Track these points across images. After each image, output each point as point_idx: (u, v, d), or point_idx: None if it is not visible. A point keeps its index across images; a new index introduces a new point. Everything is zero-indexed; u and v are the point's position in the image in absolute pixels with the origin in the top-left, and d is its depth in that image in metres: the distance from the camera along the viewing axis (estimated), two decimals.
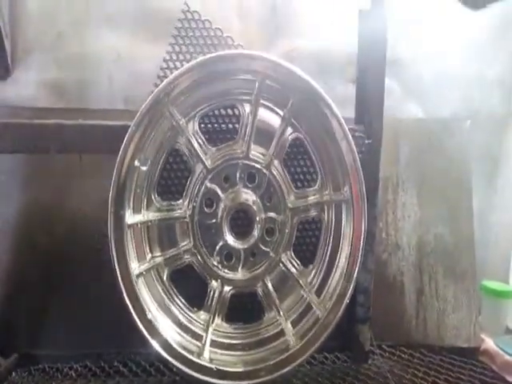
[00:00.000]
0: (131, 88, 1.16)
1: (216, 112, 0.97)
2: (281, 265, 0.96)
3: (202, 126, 0.96)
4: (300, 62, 1.16)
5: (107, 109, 1.14)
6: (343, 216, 0.96)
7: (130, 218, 0.89)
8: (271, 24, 1.24)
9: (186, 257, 0.94)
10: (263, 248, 0.95)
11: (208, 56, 0.86)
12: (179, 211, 0.93)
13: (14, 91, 1.14)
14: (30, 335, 1.09)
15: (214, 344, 0.93)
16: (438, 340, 1.20)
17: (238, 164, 0.93)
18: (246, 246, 0.94)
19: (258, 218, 0.93)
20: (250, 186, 0.94)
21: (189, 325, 0.95)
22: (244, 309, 0.99)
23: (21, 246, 1.11)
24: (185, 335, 0.93)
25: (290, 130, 0.95)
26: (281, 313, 0.95)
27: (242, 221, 0.97)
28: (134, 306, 0.86)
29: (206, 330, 0.93)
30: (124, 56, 1.18)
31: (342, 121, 0.90)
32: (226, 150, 0.94)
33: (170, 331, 0.91)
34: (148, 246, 0.94)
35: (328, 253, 0.99)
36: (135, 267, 0.89)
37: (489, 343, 1.18)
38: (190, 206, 0.92)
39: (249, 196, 0.94)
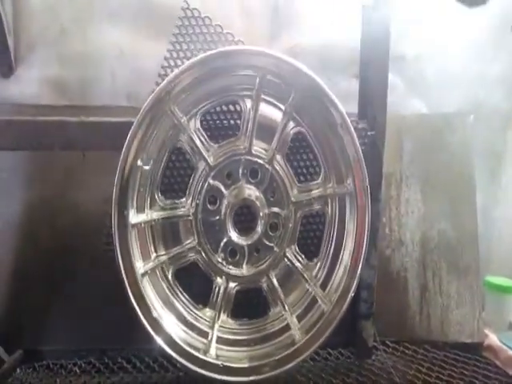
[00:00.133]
0: (134, 84, 1.16)
1: (217, 108, 0.97)
2: (285, 259, 0.96)
3: (204, 123, 0.95)
4: (303, 57, 1.16)
5: (110, 105, 1.14)
6: (347, 209, 0.96)
7: (134, 217, 0.89)
8: (274, 20, 1.24)
9: (191, 254, 0.94)
10: (267, 243, 0.95)
11: (208, 53, 0.85)
12: (183, 209, 0.93)
13: (17, 89, 1.14)
14: (33, 332, 1.09)
15: (219, 340, 0.93)
16: (442, 336, 1.19)
17: (241, 160, 0.93)
18: (250, 242, 0.94)
19: (261, 214, 0.93)
20: (252, 181, 0.94)
21: (194, 322, 0.96)
22: (249, 304, 0.99)
23: (24, 242, 1.11)
24: (190, 332, 0.94)
25: (291, 124, 0.95)
26: (286, 307, 0.95)
27: (245, 217, 0.97)
28: (139, 305, 0.86)
29: (212, 327, 0.93)
30: (127, 52, 1.18)
31: (344, 111, 0.89)
32: (228, 147, 0.94)
33: (175, 329, 0.91)
34: (152, 245, 0.94)
35: (332, 247, 0.99)
36: (140, 266, 0.89)
37: (492, 339, 1.18)
38: (194, 204, 0.92)
39: (252, 192, 0.93)
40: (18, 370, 1.04)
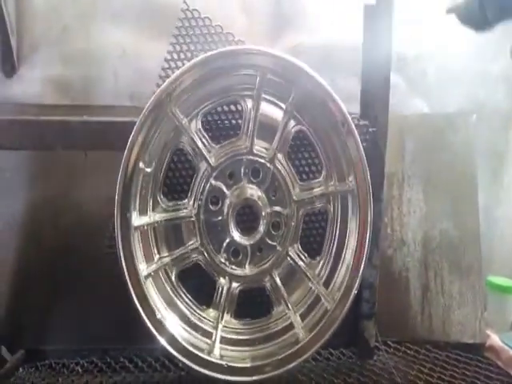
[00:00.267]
0: (137, 84, 1.16)
1: (218, 109, 0.97)
2: (288, 258, 0.96)
3: (205, 123, 0.95)
4: (305, 56, 1.16)
5: (113, 105, 1.14)
6: (349, 207, 0.96)
7: (137, 220, 0.89)
8: (276, 19, 1.24)
9: (194, 255, 0.94)
10: (270, 242, 0.95)
11: (208, 54, 0.85)
12: (185, 210, 0.93)
13: (20, 88, 1.15)
14: (36, 331, 1.09)
15: (223, 340, 0.93)
16: (444, 336, 1.19)
17: (242, 160, 0.93)
18: (252, 242, 0.94)
19: (263, 213, 0.93)
20: (254, 181, 0.94)
21: (198, 322, 0.96)
22: (253, 304, 0.99)
23: (26, 242, 1.12)
24: (194, 333, 0.94)
25: (292, 122, 0.95)
26: (289, 306, 0.95)
27: (247, 216, 0.97)
28: (142, 307, 0.86)
29: (216, 327, 0.93)
30: (130, 52, 1.18)
31: (345, 108, 0.89)
32: (229, 147, 0.94)
33: (179, 330, 0.92)
34: (155, 247, 0.94)
35: (335, 245, 0.99)
36: (143, 268, 0.89)
37: (494, 339, 1.18)
38: (196, 205, 0.92)
39: (254, 191, 0.93)
40: (21, 370, 1.04)
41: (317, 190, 0.97)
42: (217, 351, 0.91)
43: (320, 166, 1.00)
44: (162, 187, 0.95)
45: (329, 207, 0.99)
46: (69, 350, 1.08)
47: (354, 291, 0.92)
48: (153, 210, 0.93)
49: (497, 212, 1.40)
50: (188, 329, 0.94)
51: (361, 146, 0.90)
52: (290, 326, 0.95)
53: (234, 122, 0.98)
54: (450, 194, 1.25)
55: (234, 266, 0.95)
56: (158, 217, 0.93)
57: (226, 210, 0.93)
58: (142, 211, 0.91)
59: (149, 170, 0.91)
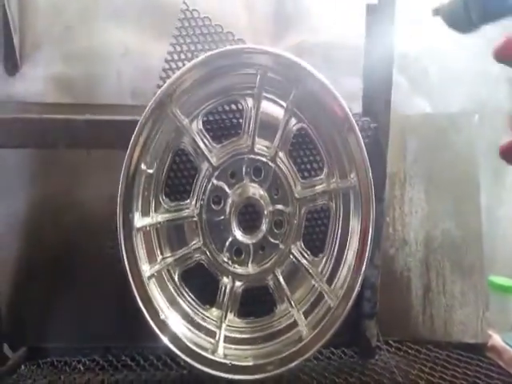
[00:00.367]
0: (140, 83, 1.16)
1: (219, 108, 0.97)
2: (291, 256, 0.96)
3: (206, 123, 0.95)
4: (307, 55, 1.16)
5: (115, 104, 1.14)
6: (351, 204, 0.96)
7: (139, 221, 0.89)
8: (278, 18, 1.24)
9: (196, 255, 0.94)
10: (272, 241, 0.95)
11: (208, 54, 0.85)
12: (187, 211, 0.93)
13: (22, 87, 1.14)
14: (38, 329, 1.10)
15: (227, 339, 0.93)
16: (445, 336, 1.19)
17: (244, 159, 0.93)
18: (255, 240, 0.94)
19: (265, 212, 0.93)
20: (256, 179, 0.94)
21: (202, 322, 0.96)
22: (256, 303, 0.99)
23: (28, 241, 1.12)
24: (198, 332, 0.94)
25: (293, 120, 0.95)
26: (293, 304, 0.95)
27: (250, 215, 0.97)
28: (146, 308, 0.86)
29: (219, 327, 0.93)
30: (132, 50, 1.18)
31: (345, 104, 0.89)
32: (230, 146, 0.94)
33: (183, 329, 0.92)
34: (158, 248, 0.95)
35: (337, 242, 0.99)
36: (146, 269, 0.89)
37: (496, 339, 1.18)
38: (198, 205, 0.92)
39: (256, 190, 0.94)
40: (23, 367, 1.04)
41: (319, 188, 0.97)
42: (220, 350, 0.91)
43: (321, 164, 1.00)
44: (164, 188, 0.95)
45: (331, 204, 0.99)
46: (71, 347, 1.08)
47: (358, 288, 0.92)
48: (155, 210, 0.93)
49: (499, 212, 1.40)
50: (192, 328, 0.94)
51: (362, 143, 0.90)
52: (294, 324, 0.95)
53: (235, 121, 0.98)
54: (452, 194, 1.24)
55: (236, 265, 0.95)
56: (160, 217, 0.93)
57: (228, 210, 0.93)
58: (145, 212, 0.91)
59: (150, 171, 0.91)
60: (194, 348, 0.88)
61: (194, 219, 0.92)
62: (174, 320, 0.92)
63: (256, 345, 0.96)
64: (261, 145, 0.94)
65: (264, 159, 0.93)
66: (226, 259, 0.94)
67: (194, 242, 0.94)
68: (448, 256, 1.23)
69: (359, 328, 1.09)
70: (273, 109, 0.96)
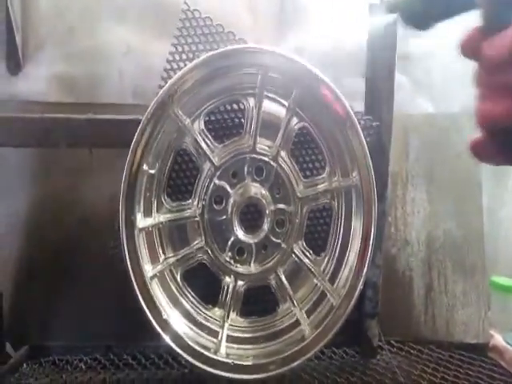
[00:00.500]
0: (142, 82, 1.16)
1: (221, 108, 0.97)
2: (293, 255, 0.96)
3: (208, 123, 0.95)
4: (309, 54, 1.16)
5: (118, 103, 1.15)
6: (353, 203, 0.96)
7: (141, 221, 0.89)
8: (281, 18, 1.24)
9: (199, 255, 0.94)
10: (274, 240, 0.95)
11: (210, 54, 0.85)
12: (189, 211, 0.93)
13: (25, 86, 1.15)
14: (40, 327, 1.10)
15: (229, 339, 0.93)
16: (447, 336, 1.19)
17: (246, 158, 0.93)
18: (257, 240, 0.94)
19: (267, 211, 0.93)
20: (258, 179, 0.94)
21: (204, 321, 0.96)
22: (258, 302, 0.99)
23: (30, 240, 1.12)
24: (201, 332, 0.94)
25: (295, 119, 0.95)
26: (295, 303, 0.95)
27: (251, 215, 0.97)
28: (149, 308, 0.86)
29: (222, 326, 0.93)
30: (134, 49, 1.18)
31: (347, 103, 0.89)
32: (232, 146, 0.94)
33: (185, 329, 0.92)
34: (160, 248, 0.94)
35: (339, 241, 0.99)
36: (149, 270, 0.89)
37: (498, 339, 1.18)
38: (200, 205, 0.92)
39: (257, 189, 0.93)
40: (25, 365, 1.04)
41: (321, 187, 0.97)
42: (223, 350, 0.91)
43: (323, 163, 1.00)
44: (166, 188, 0.95)
45: (333, 203, 0.99)
46: (72, 346, 1.09)
47: (360, 287, 0.92)
48: (157, 211, 0.93)
49: (501, 212, 1.40)
50: (194, 328, 0.94)
51: (364, 141, 0.90)
52: (296, 323, 0.95)
53: (236, 120, 0.98)
54: (453, 194, 1.24)
55: (238, 265, 0.95)
56: (162, 217, 0.92)
57: (230, 209, 0.93)
58: (147, 212, 0.91)
59: (152, 171, 0.91)
60: (196, 347, 0.88)
61: (196, 219, 0.92)
62: (176, 319, 0.91)
63: (258, 344, 0.96)
64: (262, 144, 0.94)
65: (266, 158, 0.93)
66: (228, 259, 0.94)
67: (196, 242, 0.94)
68: (450, 256, 1.22)
69: (361, 328, 1.09)
70: (274, 108, 0.96)
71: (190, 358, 0.87)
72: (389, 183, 1.06)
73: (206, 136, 0.93)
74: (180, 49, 0.95)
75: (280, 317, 0.99)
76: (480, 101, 0.35)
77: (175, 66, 0.95)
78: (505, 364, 1.11)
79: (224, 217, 0.93)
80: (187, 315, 0.95)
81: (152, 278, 0.89)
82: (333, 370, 1.05)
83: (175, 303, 0.94)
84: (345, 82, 1.21)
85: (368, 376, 1.02)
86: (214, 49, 0.93)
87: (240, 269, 0.95)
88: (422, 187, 1.24)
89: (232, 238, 0.94)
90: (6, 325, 1.04)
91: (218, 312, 0.97)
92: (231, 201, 0.93)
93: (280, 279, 0.96)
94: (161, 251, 0.95)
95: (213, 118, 0.97)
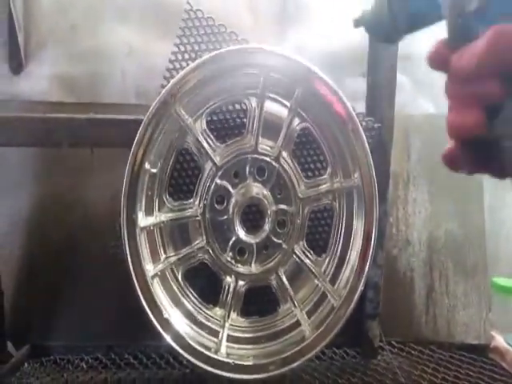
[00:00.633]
0: (144, 81, 1.16)
1: (223, 108, 0.97)
2: (294, 256, 0.96)
3: (210, 123, 0.95)
4: (311, 54, 1.16)
5: (120, 103, 1.15)
6: (354, 204, 0.96)
7: (143, 220, 0.89)
8: (282, 18, 1.24)
9: (200, 254, 0.94)
10: (275, 240, 0.95)
11: (212, 54, 0.86)
12: (191, 210, 0.93)
13: (27, 85, 1.15)
14: (41, 327, 1.10)
15: (230, 339, 0.93)
16: (448, 336, 1.19)
17: (247, 159, 0.93)
18: (258, 240, 0.94)
19: (269, 211, 0.93)
20: (259, 179, 0.94)
21: (205, 321, 0.96)
22: (259, 302, 1.00)
23: (32, 239, 1.13)
24: (201, 331, 0.94)
25: (297, 120, 0.95)
26: (296, 304, 0.95)
27: (253, 215, 0.97)
28: (150, 307, 0.86)
29: (223, 326, 0.93)
30: (136, 49, 1.18)
31: (349, 104, 0.89)
32: (234, 146, 0.94)
33: (186, 328, 0.92)
34: (162, 247, 0.95)
35: (340, 243, 0.99)
36: (150, 269, 0.89)
37: (499, 340, 1.17)
38: (202, 204, 0.92)
39: (259, 190, 0.94)
40: (26, 365, 1.05)
41: (322, 187, 0.97)
42: (223, 349, 0.91)
43: (325, 163, 1.00)
44: (168, 187, 0.95)
45: (334, 204, 0.99)
46: (73, 346, 1.09)
47: (361, 287, 0.92)
48: (159, 210, 0.93)
49: (502, 213, 1.40)
50: (195, 327, 0.94)
51: (366, 142, 0.90)
52: (297, 324, 0.95)
53: (238, 121, 0.98)
54: (455, 195, 1.24)
55: (239, 265, 0.95)
56: (163, 217, 0.93)
57: (231, 209, 0.93)
58: (148, 211, 0.91)
59: (154, 170, 0.91)
60: (197, 347, 0.89)
61: (198, 218, 0.93)
62: (177, 319, 0.92)
63: (259, 344, 0.96)
64: (264, 144, 0.94)
65: (268, 159, 0.93)
66: (229, 258, 0.94)
67: (197, 242, 0.94)
68: (451, 256, 1.22)
69: (362, 328, 1.09)
70: (276, 108, 0.96)
71: (190, 358, 0.87)
72: (390, 184, 1.06)
73: (208, 136, 0.93)
74: (182, 49, 0.95)
75: (280, 317, 0.99)
76: (449, 112, 0.36)
77: (178, 66, 0.95)
78: (506, 365, 1.11)
79: (225, 216, 0.93)
80: (188, 315, 0.95)
81: (153, 277, 0.89)
82: (334, 370, 1.05)
83: (176, 303, 0.94)
84: (346, 82, 1.21)
85: (369, 376, 1.02)
86: (217, 49, 0.93)
87: (241, 269, 0.95)
88: (423, 187, 1.24)
89: (233, 238, 0.94)
90: (8, 324, 1.04)
91: (218, 312, 0.97)
92: (233, 201, 0.93)
93: (281, 279, 0.96)
94: (162, 250, 0.95)
95: (215, 118, 0.97)
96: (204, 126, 0.94)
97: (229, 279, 0.95)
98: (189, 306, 0.97)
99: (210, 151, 0.91)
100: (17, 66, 1.14)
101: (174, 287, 0.96)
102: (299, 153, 1.01)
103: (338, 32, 1.25)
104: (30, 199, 1.13)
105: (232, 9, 1.21)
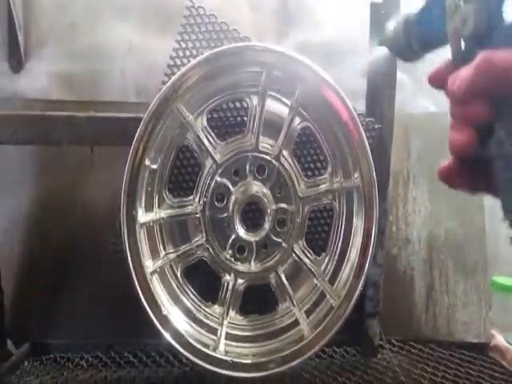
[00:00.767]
0: (144, 79, 1.16)
1: (224, 106, 0.97)
2: (293, 255, 0.96)
3: (211, 120, 0.95)
4: (311, 53, 1.16)
5: (119, 101, 1.15)
6: (354, 204, 0.96)
7: (143, 216, 0.89)
8: (282, 16, 1.24)
9: (199, 252, 0.94)
10: (275, 239, 0.94)
11: (214, 51, 0.85)
12: (190, 207, 0.93)
13: (26, 83, 1.15)
14: (41, 325, 1.10)
15: (228, 337, 0.93)
16: (448, 335, 1.19)
17: (248, 157, 0.93)
18: (257, 238, 0.94)
19: (269, 210, 0.93)
20: (259, 178, 0.94)
21: (204, 319, 0.96)
22: (258, 300, 0.99)
23: (32, 237, 1.13)
24: (200, 329, 0.94)
25: (298, 119, 0.95)
26: (294, 303, 0.95)
27: (253, 213, 0.97)
28: (149, 303, 0.86)
29: (221, 324, 0.93)
30: (136, 47, 1.18)
31: (349, 103, 0.89)
32: (235, 144, 0.94)
33: (185, 326, 0.92)
34: (161, 243, 0.95)
35: (340, 242, 0.99)
36: (149, 265, 0.89)
37: (499, 339, 1.17)
38: (201, 202, 0.92)
39: (259, 188, 0.93)
40: (26, 363, 1.05)
41: (322, 187, 0.96)
42: (222, 347, 0.90)
43: (325, 163, 1.00)
44: (168, 184, 0.95)
45: (334, 204, 0.98)
46: (73, 344, 1.09)
47: (360, 288, 0.91)
48: (158, 206, 0.93)
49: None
50: (194, 325, 0.94)
51: (366, 143, 0.90)
52: (295, 323, 0.95)
53: (239, 119, 0.98)
54: (455, 193, 1.23)
55: (239, 263, 0.94)
56: (163, 213, 0.92)
57: (231, 207, 0.93)
58: (148, 208, 0.91)
59: (154, 166, 0.91)
60: (196, 344, 0.88)
61: (197, 216, 0.92)
62: (177, 316, 0.92)
63: (257, 342, 0.96)
64: (265, 143, 0.94)
65: (268, 157, 0.93)
66: (228, 256, 0.94)
67: (196, 239, 0.94)
68: (451, 255, 1.22)
69: (362, 327, 1.09)
70: (277, 107, 0.96)
71: (188, 355, 0.87)
72: (390, 182, 1.06)
73: (209, 133, 0.93)
74: (184, 45, 0.95)
75: (279, 316, 0.99)
76: (450, 129, 0.38)
77: (179, 63, 0.95)
78: (506, 364, 1.11)
79: (225, 214, 0.93)
80: (187, 312, 0.95)
81: (152, 273, 0.89)
82: (334, 368, 1.05)
83: (175, 300, 0.94)
84: (346, 80, 1.21)
85: (369, 375, 1.02)
86: (218, 46, 0.93)
87: (240, 267, 0.95)
88: (423, 186, 1.24)
89: (233, 236, 0.94)
90: (8, 322, 1.04)
91: (217, 309, 0.97)
92: (232, 198, 0.93)
93: (280, 278, 0.95)
94: (161, 247, 0.95)
95: (216, 116, 0.97)
96: (205, 123, 0.93)
97: (228, 277, 0.95)
98: (188, 304, 0.96)
99: (210, 148, 0.91)
100: (16, 63, 1.14)
101: (173, 284, 0.95)
102: (299, 152, 1.01)
103: (338, 29, 1.25)
104: (29, 197, 1.13)
105: (232, 5, 1.20)
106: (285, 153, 0.94)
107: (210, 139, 0.92)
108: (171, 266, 0.95)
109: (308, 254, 0.97)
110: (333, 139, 0.96)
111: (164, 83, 0.87)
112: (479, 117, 0.36)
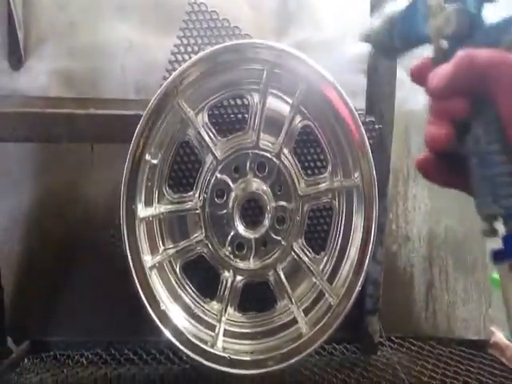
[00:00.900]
0: (144, 77, 1.16)
1: (225, 102, 0.97)
2: (292, 253, 0.96)
3: (212, 117, 0.96)
4: (312, 51, 1.16)
5: (120, 98, 1.14)
6: (354, 203, 0.96)
7: (142, 211, 0.89)
8: (282, 14, 1.24)
9: (198, 248, 0.94)
10: (274, 237, 0.95)
11: (215, 47, 0.86)
12: (190, 203, 0.93)
13: (26, 81, 1.14)
14: (41, 322, 1.10)
15: (226, 333, 0.93)
16: (448, 332, 1.19)
17: (248, 154, 0.93)
18: (257, 236, 0.94)
19: (268, 207, 0.93)
20: (260, 175, 0.94)
21: (202, 315, 0.96)
22: (256, 298, 0.99)
23: (31, 234, 1.13)
24: (198, 325, 0.94)
25: (299, 117, 0.95)
26: (293, 301, 0.95)
27: (252, 210, 0.97)
28: (147, 298, 0.86)
29: (219, 320, 0.93)
30: (136, 45, 1.18)
31: (350, 102, 0.89)
32: (235, 141, 0.94)
33: (183, 322, 0.92)
34: (160, 239, 0.95)
35: (339, 241, 0.99)
36: (148, 260, 0.89)
37: (499, 336, 1.18)
38: (201, 198, 0.92)
39: (259, 185, 0.94)
40: (26, 360, 1.05)
41: (322, 186, 0.96)
42: (220, 344, 0.91)
43: (325, 162, 1.00)
44: (168, 179, 0.96)
45: (334, 203, 0.98)
46: (73, 341, 1.09)
47: (359, 287, 0.91)
48: (158, 201, 0.93)
49: None
50: (192, 321, 0.94)
51: (367, 142, 0.90)
52: (294, 321, 0.95)
53: (240, 116, 0.98)
54: (455, 190, 1.24)
55: (238, 260, 0.95)
56: (163, 208, 0.93)
57: (231, 204, 0.93)
58: (148, 203, 0.91)
59: (155, 161, 0.91)
60: (194, 340, 0.89)
61: (197, 212, 0.93)
62: (176, 312, 0.92)
63: (256, 340, 0.96)
64: (266, 141, 0.94)
65: (268, 155, 0.93)
66: (227, 253, 0.94)
67: (196, 235, 0.94)
68: (451, 252, 1.22)
69: (361, 324, 1.09)
70: (278, 105, 0.96)
71: (186, 350, 0.87)
72: (390, 179, 1.06)
73: (210, 129, 0.93)
74: (185, 41, 0.95)
75: (278, 313, 0.99)
76: (428, 123, 0.39)
77: (180, 58, 0.95)
78: (505, 361, 1.11)
79: (225, 211, 0.93)
80: (186, 308, 0.95)
81: (151, 268, 0.89)
82: (333, 365, 1.05)
83: (174, 295, 0.94)
84: (346, 78, 1.21)
85: (369, 372, 1.03)
86: (220, 43, 0.93)
87: (239, 264, 0.95)
88: (423, 183, 1.24)
89: (232, 233, 0.94)
90: (8, 319, 1.04)
91: (215, 306, 0.97)
92: (232, 195, 0.93)
93: (279, 276, 0.95)
94: (161, 242, 0.95)
95: (217, 112, 0.97)
96: (206, 119, 0.94)
97: (227, 274, 0.95)
98: (186, 299, 0.96)
99: (211, 144, 0.91)
100: (16, 61, 1.14)
101: (172, 280, 0.95)
102: (300, 150, 1.01)
103: (338, 28, 1.25)
104: (29, 195, 1.13)
105: (232, 4, 1.20)
106: (285, 151, 0.94)
107: (211, 135, 0.93)
108: (170, 262, 0.95)
109: (307, 253, 0.97)
110: (333, 138, 0.96)
111: (165, 79, 0.88)
112: (457, 112, 0.37)
